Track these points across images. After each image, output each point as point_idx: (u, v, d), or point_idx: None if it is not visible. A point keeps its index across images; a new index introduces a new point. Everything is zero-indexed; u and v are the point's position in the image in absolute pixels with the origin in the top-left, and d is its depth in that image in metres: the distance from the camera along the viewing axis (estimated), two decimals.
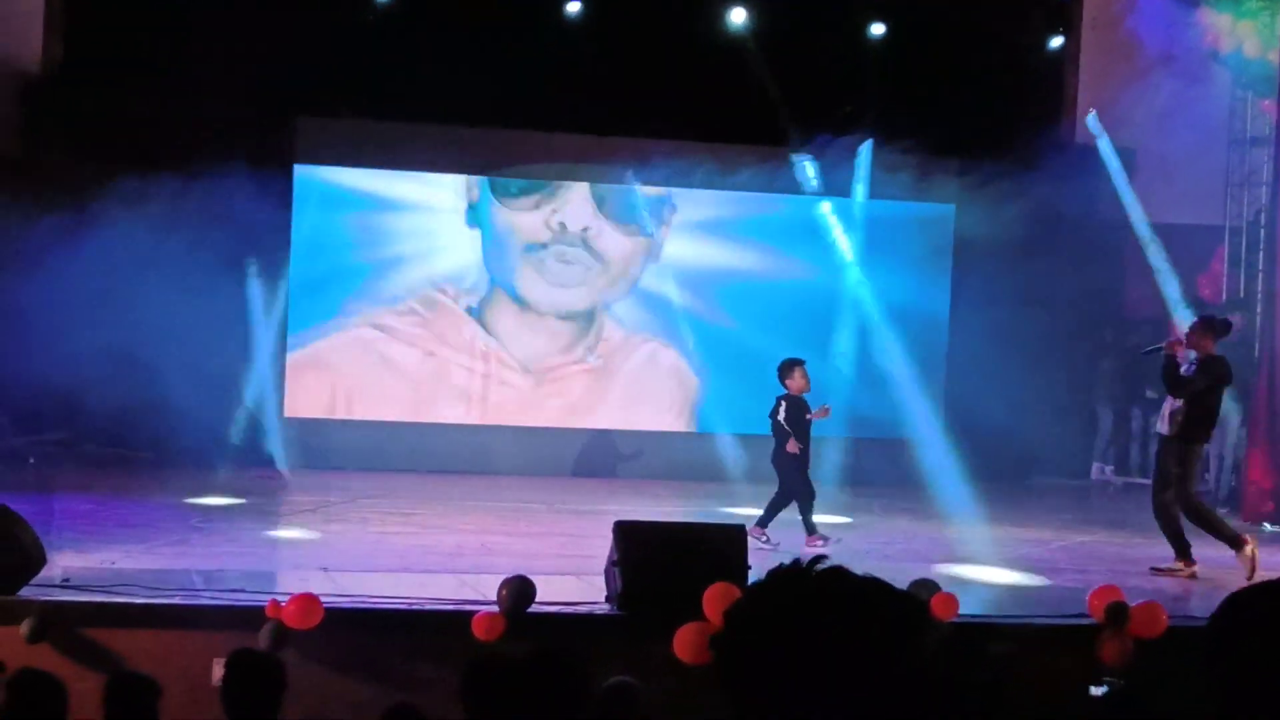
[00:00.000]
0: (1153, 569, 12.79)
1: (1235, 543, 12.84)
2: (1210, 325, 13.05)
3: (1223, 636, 3.08)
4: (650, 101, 17.72)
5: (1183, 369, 12.84)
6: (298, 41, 16.76)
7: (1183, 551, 12.89)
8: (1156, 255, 18.57)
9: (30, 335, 16.32)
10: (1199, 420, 12.88)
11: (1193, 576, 12.71)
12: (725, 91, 17.97)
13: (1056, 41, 18.64)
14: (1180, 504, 12.85)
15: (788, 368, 14.02)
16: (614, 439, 18.73)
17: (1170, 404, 12.97)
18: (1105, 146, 18.78)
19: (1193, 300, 18.32)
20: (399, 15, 17.45)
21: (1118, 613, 10.03)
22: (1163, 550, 14.08)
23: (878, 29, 18.11)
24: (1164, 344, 13.07)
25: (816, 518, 13.75)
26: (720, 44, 18.03)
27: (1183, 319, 17.81)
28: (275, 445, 17.32)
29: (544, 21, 17.59)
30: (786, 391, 13.98)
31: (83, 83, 17.32)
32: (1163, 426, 13.07)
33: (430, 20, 17.39)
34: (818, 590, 2.67)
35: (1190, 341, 12.98)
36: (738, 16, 17.89)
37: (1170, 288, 18.45)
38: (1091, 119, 18.83)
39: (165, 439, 16.16)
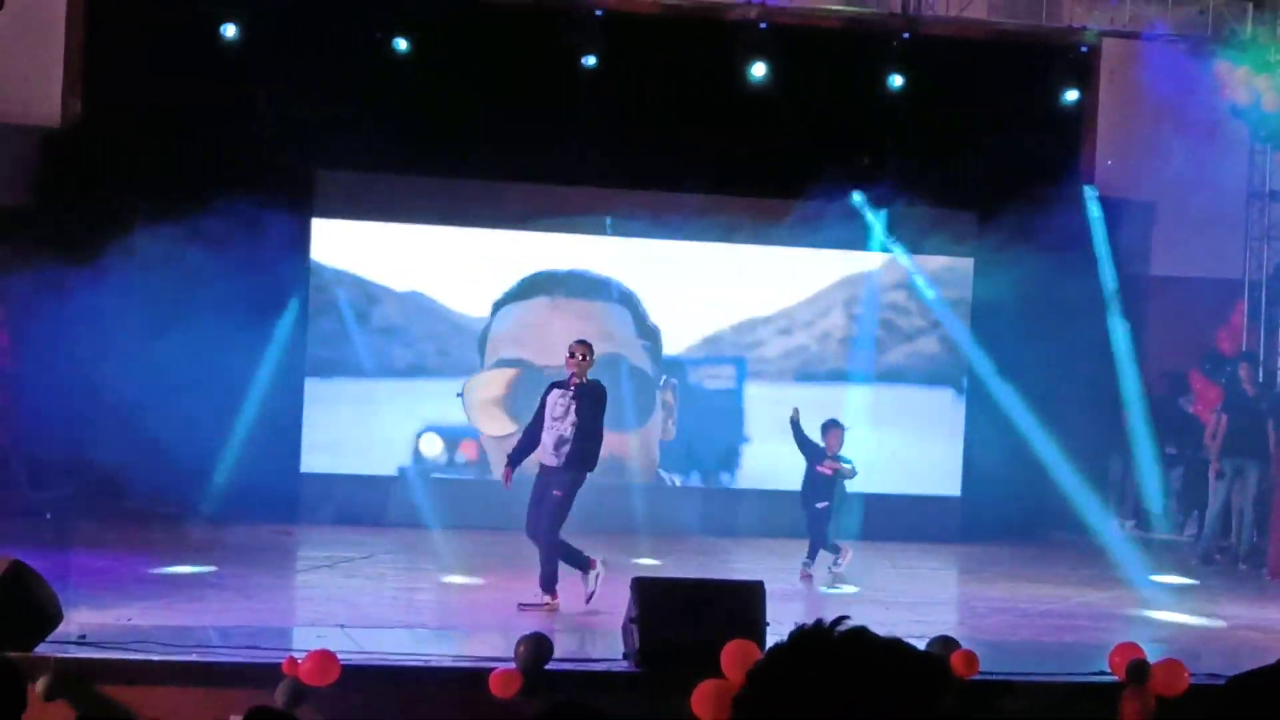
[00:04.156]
0: (520, 605, 12.54)
1: (573, 571, 12.71)
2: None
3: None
4: (667, 154, 17.76)
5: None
6: (316, 94, 16.85)
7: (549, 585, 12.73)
8: None
9: (46, 388, 16.36)
10: (591, 450, 12.88)
11: (553, 610, 12.51)
12: (741, 143, 18.04)
13: (1074, 94, 18.65)
14: (548, 530, 12.68)
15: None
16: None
17: (555, 435, 12.82)
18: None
19: (1213, 354, 18.26)
20: (417, 68, 17.48)
21: (1139, 670, 9.96)
22: (1190, 603, 14.07)
23: (896, 80, 18.09)
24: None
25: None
26: (739, 96, 18.04)
27: (1205, 371, 17.78)
28: (291, 499, 17.28)
29: (562, 74, 17.62)
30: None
31: (100, 137, 17.39)
32: (550, 458, 12.85)
33: (449, 74, 17.44)
34: (840, 652, 2.64)
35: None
36: (759, 70, 17.89)
37: None
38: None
39: (181, 493, 16.15)
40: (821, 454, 15.28)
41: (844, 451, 15.40)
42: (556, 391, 12.95)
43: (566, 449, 12.81)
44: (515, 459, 13.05)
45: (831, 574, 14.93)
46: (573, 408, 12.81)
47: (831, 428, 15.53)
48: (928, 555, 16.35)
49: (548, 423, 12.88)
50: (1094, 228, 18.79)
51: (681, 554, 15.84)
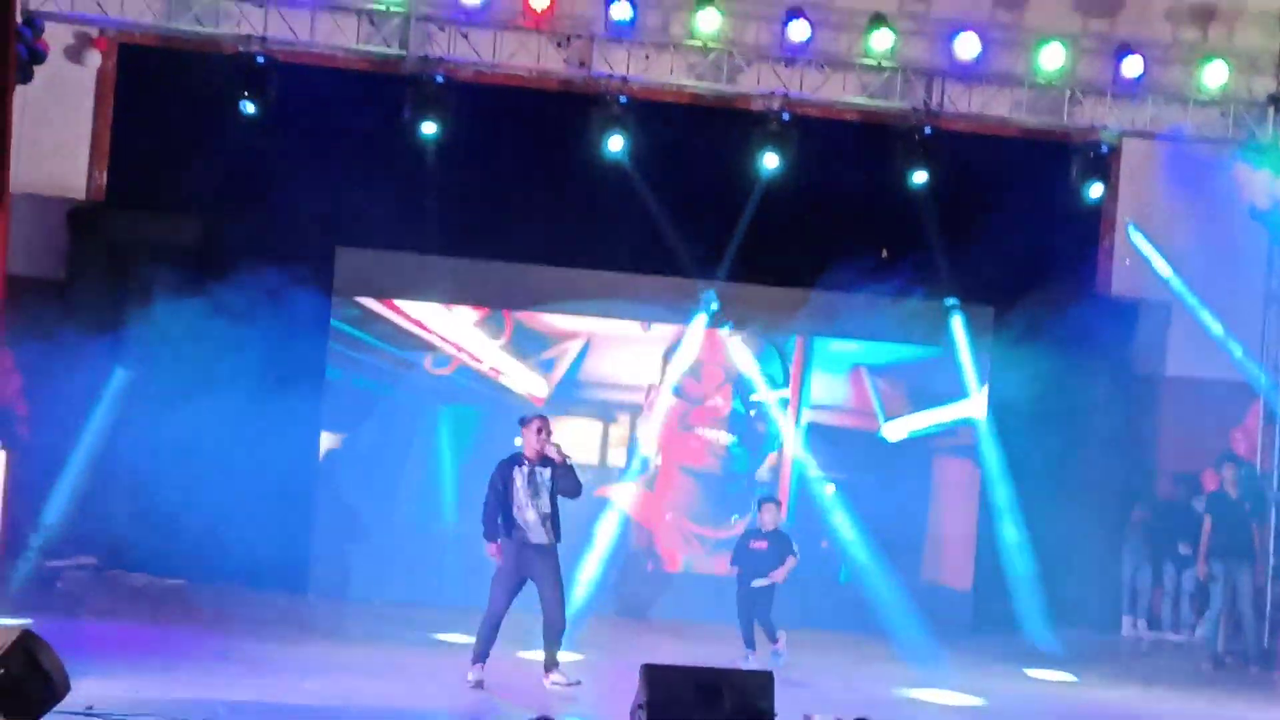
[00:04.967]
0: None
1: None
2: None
3: None
4: (685, 241, 17.88)
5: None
6: (337, 173, 16.99)
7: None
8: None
9: (62, 458, 16.44)
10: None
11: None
12: (760, 231, 18.15)
13: (1095, 192, 18.68)
14: (561, 609, 12.81)
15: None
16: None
17: (537, 513, 12.82)
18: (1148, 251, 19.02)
19: (1228, 455, 18.20)
20: (440, 148, 17.59)
21: None
22: (1201, 706, 14.00)
23: (917, 175, 18.15)
24: (551, 452, 12.95)
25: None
26: (760, 185, 18.13)
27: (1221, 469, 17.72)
28: (302, 572, 17.28)
29: (585, 158, 17.72)
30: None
31: (125, 210, 17.55)
32: (541, 536, 12.84)
33: (471, 154, 17.57)
34: None
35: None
36: (771, 161, 17.98)
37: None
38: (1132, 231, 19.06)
39: (195, 564, 16.19)
40: (755, 533, 15.20)
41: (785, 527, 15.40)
42: (519, 469, 12.91)
43: (550, 524, 12.87)
44: (495, 533, 12.92)
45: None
46: (547, 482, 12.83)
47: (764, 503, 15.43)
48: (939, 648, 16.25)
49: (521, 502, 12.85)
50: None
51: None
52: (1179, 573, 18.48)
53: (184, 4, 17.06)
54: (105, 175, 17.79)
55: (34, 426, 16.35)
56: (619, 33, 17.71)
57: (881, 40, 17.80)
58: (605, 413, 18.45)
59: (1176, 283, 18.96)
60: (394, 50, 17.46)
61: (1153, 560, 18.70)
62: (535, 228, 17.76)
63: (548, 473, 12.87)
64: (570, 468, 12.97)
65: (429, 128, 17.39)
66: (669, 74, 18.03)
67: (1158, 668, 16.79)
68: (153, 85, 17.63)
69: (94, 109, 17.81)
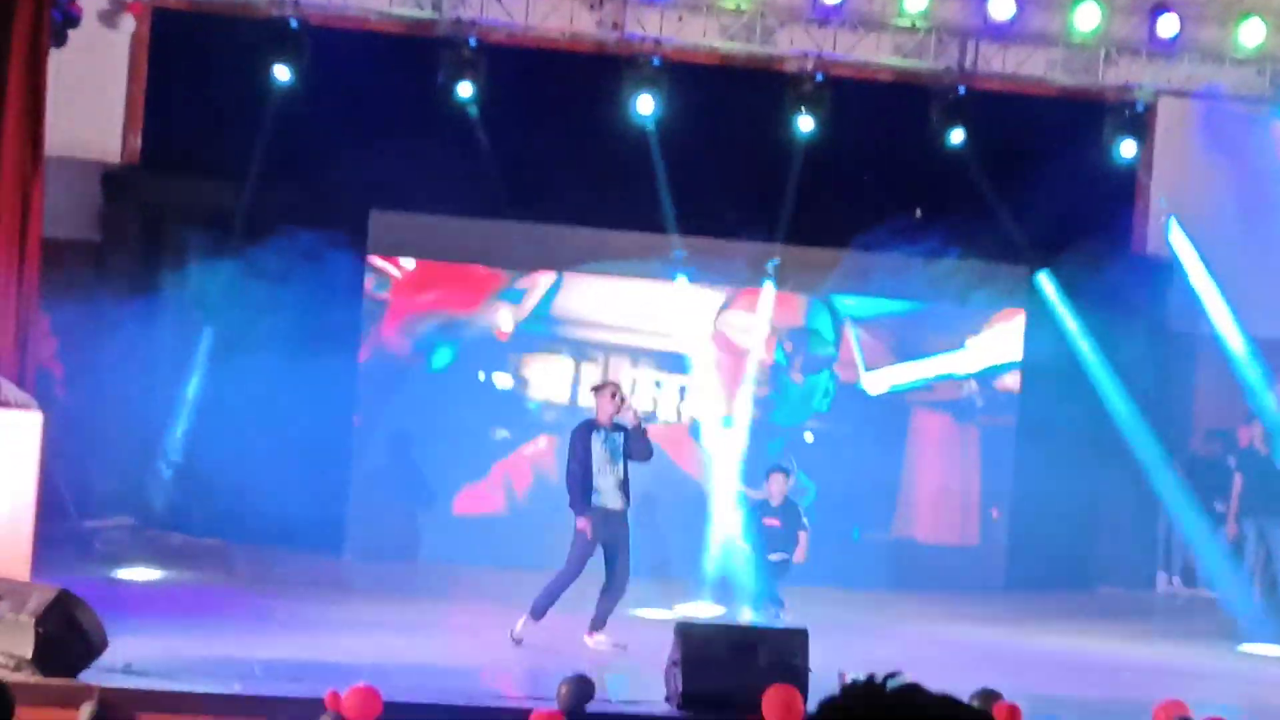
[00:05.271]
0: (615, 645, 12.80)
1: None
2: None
3: None
4: (720, 200, 17.86)
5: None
6: (371, 136, 16.98)
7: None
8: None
9: (100, 417, 16.52)
10: None
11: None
12: (794, 192, 18.13)
13: (1129, 151, 18.57)
14: (627, 575, 12.88)
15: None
16: None
17: (614, 479, 12.88)
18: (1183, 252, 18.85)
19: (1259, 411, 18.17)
20: (473, 111, 17.59)
21: None
22: (1222, 662, 14.01)
23: (952, 135, 18.04)
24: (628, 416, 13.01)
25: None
26: (794, 146, 18.09)
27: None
28: (338, 532, 17.36)
29: (618, 120, 17.70)
30: None
31: (160, 173, 17.63)
32: (618, 501, 12.93)
33: (504, 117, 17.57)
34: (893, 707, 2.67)
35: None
36: (805, 123, 17.90)
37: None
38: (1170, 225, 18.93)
39: (231, 525, 16.27)
40: (765, 507, 15.17)
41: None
42: (597, 434, 12.96)
43: (623, 489, 12.90)
44: (586, 507, 12.94)
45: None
46: (621, 447, 12.86)
47: (773, 473, 15.40)
48: (970, 606, 16.25)
49: (599, 468, 12.88)
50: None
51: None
52: (1214, 529, 18.46)
53: None
54: (139, 139, 17.86)
55: (69, 388, 16.46)
56: None
57: (915, 0, 17.71)
58: (579, 352, 18.28)
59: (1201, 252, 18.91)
60: (427, 13, 17.43)
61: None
62: (568, 190, 17.72)
63: (621, 437, 12.91)
64: (644, 431, 13.02)
65: (463, 90, 17.35)
66: (702, 35, 17.95)
67: (1191, 624, 16.78)
68: (186, 49, 17.66)
69: (128, 73, 17.85)
